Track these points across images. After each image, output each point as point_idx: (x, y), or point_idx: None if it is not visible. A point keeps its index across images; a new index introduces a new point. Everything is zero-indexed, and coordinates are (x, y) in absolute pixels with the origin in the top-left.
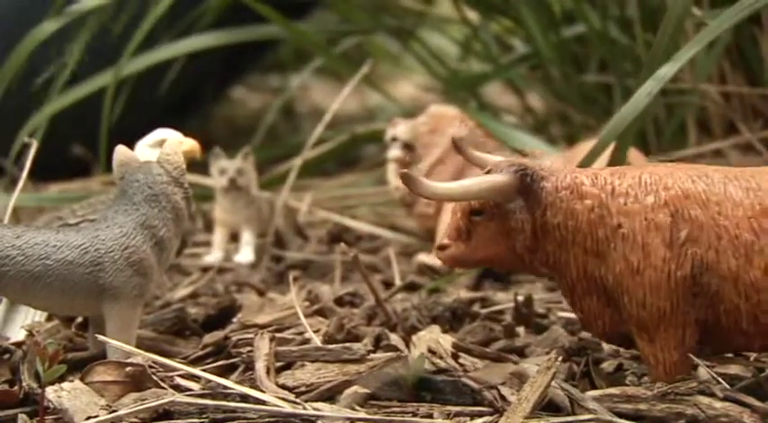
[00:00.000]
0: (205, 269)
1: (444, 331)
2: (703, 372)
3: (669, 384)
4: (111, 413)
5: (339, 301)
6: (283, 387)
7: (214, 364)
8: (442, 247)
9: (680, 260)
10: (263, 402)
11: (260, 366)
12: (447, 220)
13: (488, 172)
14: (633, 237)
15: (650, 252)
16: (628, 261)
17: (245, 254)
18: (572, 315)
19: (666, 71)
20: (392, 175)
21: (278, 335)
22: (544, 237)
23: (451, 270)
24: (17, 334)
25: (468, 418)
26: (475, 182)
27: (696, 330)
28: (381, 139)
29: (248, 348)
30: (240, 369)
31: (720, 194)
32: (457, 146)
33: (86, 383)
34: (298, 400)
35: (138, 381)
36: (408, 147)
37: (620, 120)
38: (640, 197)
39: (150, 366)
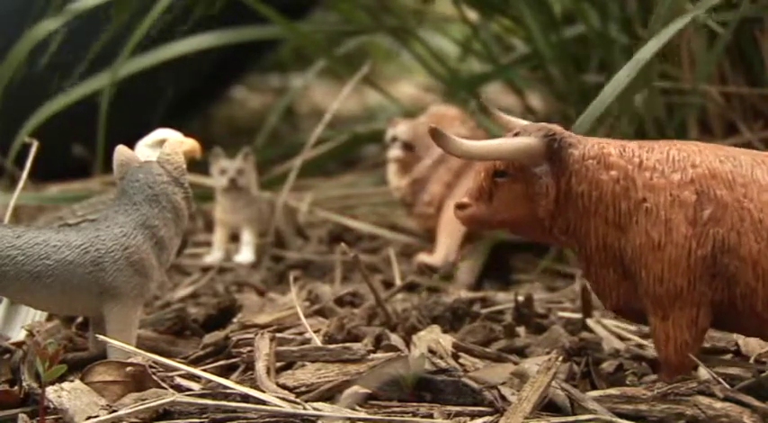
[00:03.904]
0: (205, 269)
1: (444, 331)
2: (703, 372)
3: (669, 385)
4: (111, 413)
5: (339, 301)
6: (284, 387)
7: (214, 364)
8: (462, 206)
9: (701, 239)
10: (264, 402)
11: (260, 366)
12: (447, 218)
13: (516, 134)
14: (656, 212)
15: (672, 228)
16: (649, 236)
17: (245, 254)
18: (572, 315)
19: (647, 51)
20: (392, 175)
21: (278, 335)
22: (566, 204)
23: (452, 271)
24: (17, 334)
25: (468, 418)
26: (502, 142)
27: (710, 311)
28: (381, 139)
29: (248, 348)
30: (240, 369)
31: (747, 177)
32: (483, 107)
33: (87, 383)
34: (298, 400)
35: (138, 381)
36: (408, 147)
37: (597, 104)
38: (667, 173)
39: (150, 366)
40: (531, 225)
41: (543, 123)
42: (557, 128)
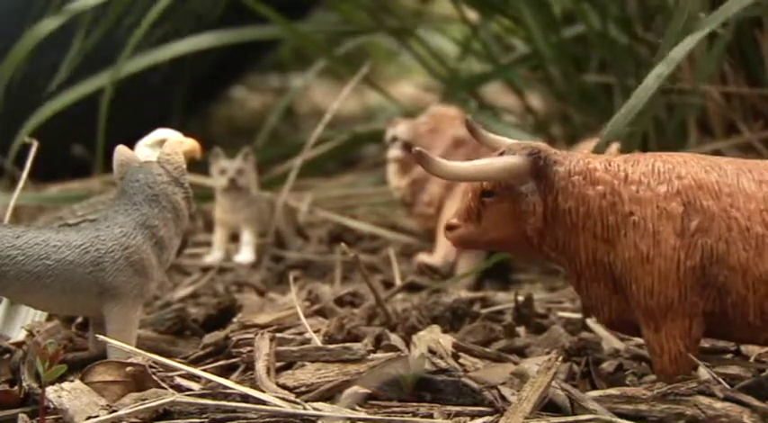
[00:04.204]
0: (205, 269)
1: (444, 331)
2: (703, 372)
3: (669, 385)
4: (111, 413)
5: (339, 301)
6: (283, 387)
7: (214, 364)
8: (451, 227)
9: (690, 250)
10: (264, 402)
11: (260, 366)
12: (447, 218)
13: (502, 154)
14: (644, 225)
15: (660, 241)
16: (638, 249)
17: (245, 254)
18: (572, 315)
19: (673, 57)
20: (392, 175)
21: (278, 335)
22: (554, 221)
23: (452, 271)
24: (17, 334)
25: (468, 418)
26: (488, 162)
27: (703, 321)
28: (381, 139)
29: (248, 348)
30: (240, 369)
31: (733, 186)
32: (470, 127)
33: (87, 383)
34: (298, 400)
35: (138, 381)
36: (408, 147)
37: (630, 107)
38: (653, 185)
39: (151, 366)
40: (521, 243)
41: (528, 141)
42: (542, 145)
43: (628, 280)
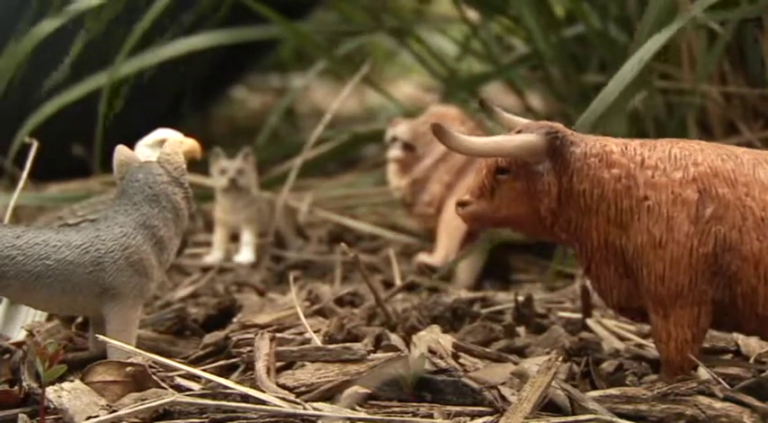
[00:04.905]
0: (205, 269)
1: (444, 331)
2: (703, 372)
3: (669, 385)
4: (111, 413)
5: (339, 301)
6: (283, 387)
7: (214, 364)
8: (464, 204)
9: (703, 237)
10: (264, 402)
11: (260, 366)
12: (447, 218)
13: (518, 132)
14: (658, 210)
15: (674, 226)
16: (651, 234)
17: (245, 254)
18: (572, 315)
19: (650, 46)
20: (392, 175)
21: (278, 335)
22: (568, 202)
23: (451, 271)
24: (17, 334)
25: (468, 418)
26: (506, 139)
27: (711, 310)
28: (381, 139)
29: (248, 348)
30: (240, 369)
31: (749, 176)
32: (485, 105)
33: (87, 383)
34: (298, 400)
35: (138, 381)
36: (408, 147)
37: (604, 96)
38: (669, 171)
39: (150, 366)
40: (533, 222)
41: (545, 121)
42: (559, 126)
43: (639, 265)
